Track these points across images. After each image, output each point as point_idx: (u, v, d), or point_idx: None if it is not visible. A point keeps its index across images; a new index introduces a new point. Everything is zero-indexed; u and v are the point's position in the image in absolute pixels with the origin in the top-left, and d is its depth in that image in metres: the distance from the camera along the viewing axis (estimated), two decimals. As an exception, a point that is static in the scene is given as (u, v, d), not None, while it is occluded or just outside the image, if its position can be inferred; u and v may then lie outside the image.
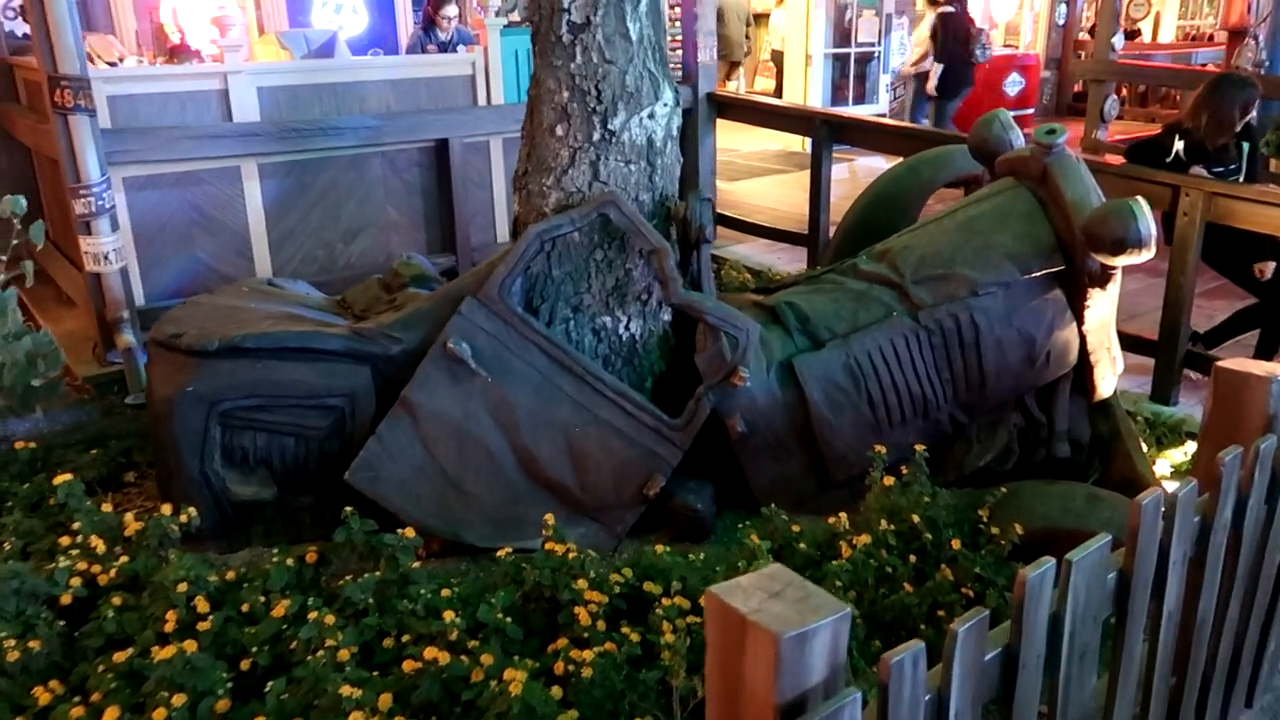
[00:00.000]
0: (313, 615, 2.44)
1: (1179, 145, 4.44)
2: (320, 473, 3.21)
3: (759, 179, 9.46)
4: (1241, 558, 2.19)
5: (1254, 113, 4.51)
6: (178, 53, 5.75)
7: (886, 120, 5.95)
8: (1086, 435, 3.66)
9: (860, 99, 11.27)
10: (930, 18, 8.87)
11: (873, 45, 11.10)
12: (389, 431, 3.09)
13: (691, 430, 3.22)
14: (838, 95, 11.06)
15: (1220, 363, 2.35)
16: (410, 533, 2.79)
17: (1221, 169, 4.50)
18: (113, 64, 6.01)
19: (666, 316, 3.59)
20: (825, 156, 5.91)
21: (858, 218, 4.32)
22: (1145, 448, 3.83)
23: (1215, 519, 2.04)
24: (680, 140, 3.51)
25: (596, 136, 3.24)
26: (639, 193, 3.34)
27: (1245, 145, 4.56)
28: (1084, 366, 3.54)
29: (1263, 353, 4.65)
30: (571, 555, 2.70)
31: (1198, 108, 4.48)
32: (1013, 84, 11.80)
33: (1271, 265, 4.50)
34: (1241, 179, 4.52)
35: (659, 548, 2.92)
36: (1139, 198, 3.08)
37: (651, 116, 3.30)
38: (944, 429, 3.49)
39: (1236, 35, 9.28)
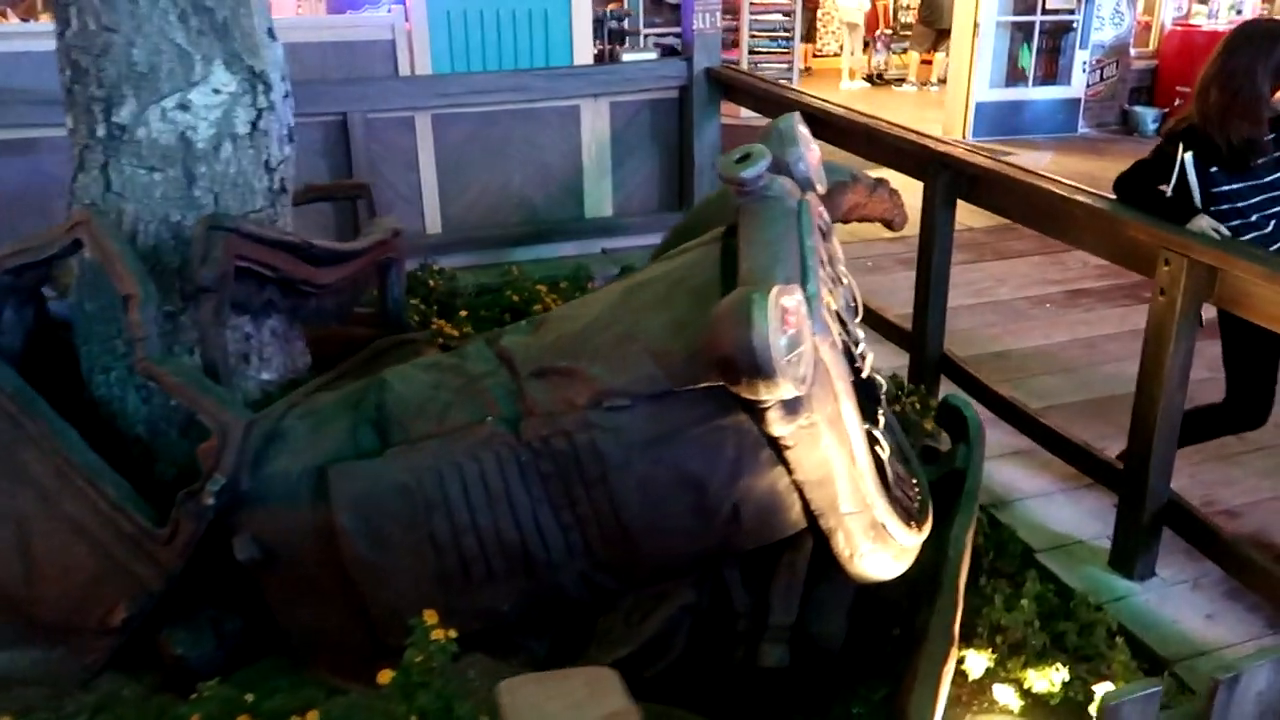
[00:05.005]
0: None
1: (1185, 157, 2.80)
2: None
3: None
4: None
5: None
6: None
7: (840, 110, 4.49)
8: (839, 635, 2.35)
9: (1050, 78, 9.22)
10: None
11: (1071, 13, 8.99)
12: None
13: (178, 548, 2.32)
14: (1016, 74, 9.10)
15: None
16: None
17: (1248, 181, 2.80)
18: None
19: (266, 375, 2.68)
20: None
21: (676, 236, 3.11)
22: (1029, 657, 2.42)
23: None
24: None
25: (101, 132, 2.38)
26: (170, 211, 2.43)
27: None
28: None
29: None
30: None
31: (1204, 85, 2.79)
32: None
33: None
34: None
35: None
36: (774, 289, 1.76)
37: (185, 108, 2.38)
38: (571, 594, 2.33)
39: None
